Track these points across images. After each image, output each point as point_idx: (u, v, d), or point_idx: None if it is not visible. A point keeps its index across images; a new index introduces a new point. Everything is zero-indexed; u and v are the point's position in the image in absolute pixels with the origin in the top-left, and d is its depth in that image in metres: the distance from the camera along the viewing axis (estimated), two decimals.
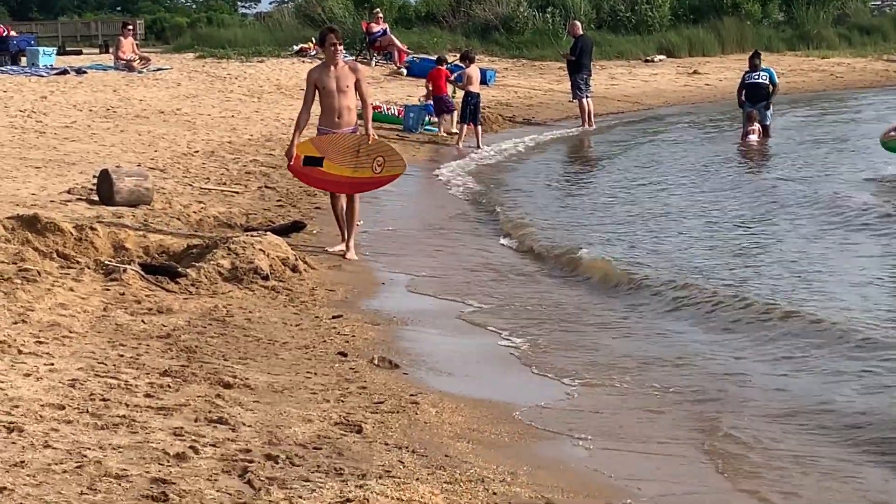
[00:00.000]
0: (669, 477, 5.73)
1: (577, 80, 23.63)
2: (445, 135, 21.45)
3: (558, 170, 19.10)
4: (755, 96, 19.94)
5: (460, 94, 21.08)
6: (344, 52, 12.10)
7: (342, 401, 6.49)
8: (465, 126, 20.70)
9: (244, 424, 5.89)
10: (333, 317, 8.53)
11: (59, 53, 32.50)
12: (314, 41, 28.37)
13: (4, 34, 33.99)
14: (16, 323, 7.38)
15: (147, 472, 5.10)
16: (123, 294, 8.46)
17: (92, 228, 9.80)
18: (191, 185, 13.88)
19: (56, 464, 5.11)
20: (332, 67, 10.84)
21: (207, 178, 14.61)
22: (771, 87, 20.10)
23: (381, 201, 13.79)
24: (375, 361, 7.39)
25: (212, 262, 9.25)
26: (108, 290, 8.54)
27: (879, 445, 6.05)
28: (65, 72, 26.10)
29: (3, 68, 27.24)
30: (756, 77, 20.03)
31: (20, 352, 6.77)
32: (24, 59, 28.59)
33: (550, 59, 31.77)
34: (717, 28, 37.27)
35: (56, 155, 15.36)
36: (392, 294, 9.78)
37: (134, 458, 5.27)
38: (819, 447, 6.11)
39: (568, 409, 6.86)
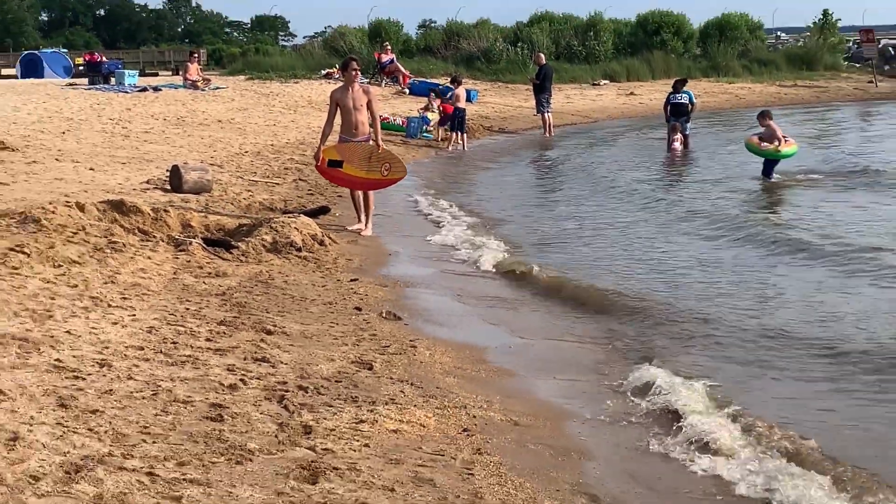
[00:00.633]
0: (597, 401, 5.76)
1: (541, 99, 23.68)
2: (442, 140, 21.46)
3: (525, 171, 19.05)
4: (678, 112, 19.90)
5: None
6: (360, 76, 12.05)
7: (357, 345, 6.50)
8: (453, 134, 20.78)
9: (281, 362, 5.90)
10: (351, 280, 8.52)
11: (140, 75, 32.45)
12: (338, 67, 28.23)
13: (99, 60, 33.90)
14: (106, 283, 7.37)
15: (206, 399, 5.11)
16: (189, 261, 8.46)
17: (165, 210, 9.79)
18: (241, 178, 13.84)
19: (136, 392, 5.12)
20: (350, 89, 10.80)
21: (254, 173, 14.58)
22: (690, 105, 20.06)
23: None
24: (383, 315, 7.40)
25: (257, 237, 9.24)
26: (177, 258, 8.54)
27: None
28: (144, 89, 26.04)
29: (97, 86, 27.18)
30: (679, 97, 19.99)
31: (109, 305, 6.77)
32: (113, 79, 28.50)
33: (520, 83, 31.69)
34: (648, 59, 37.16)
35: (137, 154, 15.33)
36: (397, 263, 9.78)
37: (196, 387, 5.28)
38: None
39: (527, 353, 6.88)
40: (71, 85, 27.77)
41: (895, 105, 31.79)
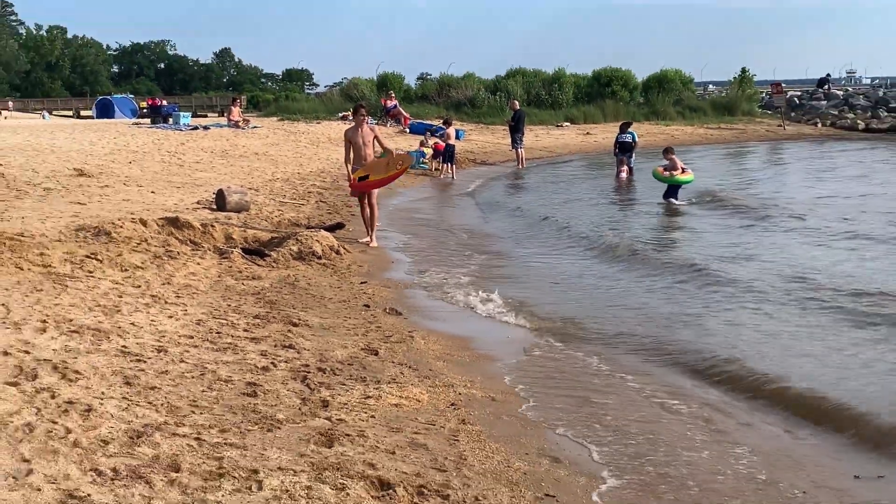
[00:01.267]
0: (570, 383, 5.75)
1: (515, 137, 23.59)
2: (435, 170, 21.44)
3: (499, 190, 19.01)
4: (624, 148, 19.85)
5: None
6: (369, 118, 12.06)
7: (366, 335, 6.49)
8: (445, 165, 20.78)
9: (304, 349, 5.89)
10: (361, 282, 8.51)
11: (192, 116, 32.32)
12: (351, 111, 28.23)
13: (159, 104, 33.80)
14: (163, 284, 7.36)
15: (244, 378, 5.10)
16: (230, 267, 8.45)
17: (211, 226, 9.77)
18: (273, 200, 13.81)
19: (187, 372, 5.11)
20: (360, 129, 10.86)
21: (284, 195, 14.54)
22: (633, 143, 20.06)
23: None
24: (387, 311, 7.39)
25: (286, 248, 9.23)
26: (221, 264, 8.52)
27: None
28: (196, 128, 25.93)
29: (157, 125, 27.07)
30: (625, 137, 19.94)
31: (166, 302, 6.76)
32: (170, 120, 28.42)
33: (498, 124, 31.68)
34: (601, 106, 37.11)
35: (189, 179, 15.28)
36: (399, 269, 9.77)
37: (236, 369, 5.27)
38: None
39: (505, 343, 6.88)
40: (136, 124, 27.71)
41: (798, 144, 31.91)
